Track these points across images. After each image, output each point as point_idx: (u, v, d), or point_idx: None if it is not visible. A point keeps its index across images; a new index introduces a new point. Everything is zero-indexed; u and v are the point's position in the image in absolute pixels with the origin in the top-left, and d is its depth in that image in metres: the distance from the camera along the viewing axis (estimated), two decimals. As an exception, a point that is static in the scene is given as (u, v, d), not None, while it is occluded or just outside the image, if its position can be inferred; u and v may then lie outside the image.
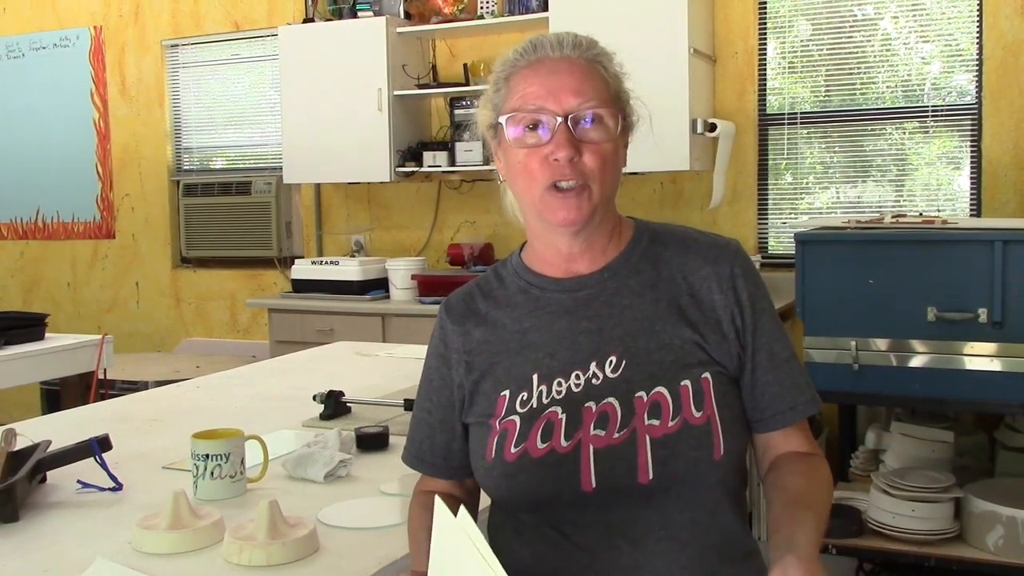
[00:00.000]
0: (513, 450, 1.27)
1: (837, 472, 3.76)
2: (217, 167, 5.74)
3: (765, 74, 4.37)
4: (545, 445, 1.25)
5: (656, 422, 1.23)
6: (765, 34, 4.35)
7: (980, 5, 3.97)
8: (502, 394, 1.32)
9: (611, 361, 1.28)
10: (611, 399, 1.26)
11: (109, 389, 3.71)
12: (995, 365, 2.96)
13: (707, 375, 1.26)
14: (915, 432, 3.41)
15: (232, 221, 5.47)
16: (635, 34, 4.03)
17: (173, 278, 5.77)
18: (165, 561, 1.35)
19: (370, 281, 4.73)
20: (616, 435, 1.23)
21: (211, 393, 2.51)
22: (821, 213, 4.30)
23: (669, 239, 1.37)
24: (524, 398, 1.30)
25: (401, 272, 4.65)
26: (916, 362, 3.05)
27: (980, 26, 3.98)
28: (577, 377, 1.28)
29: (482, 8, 4.64)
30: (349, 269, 4.73)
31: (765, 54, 4.36)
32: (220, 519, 1.44)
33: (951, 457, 3.40)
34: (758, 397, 1.30)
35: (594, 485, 1.22)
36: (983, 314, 2.94)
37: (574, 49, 1.29)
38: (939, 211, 4.05)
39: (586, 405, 1.26)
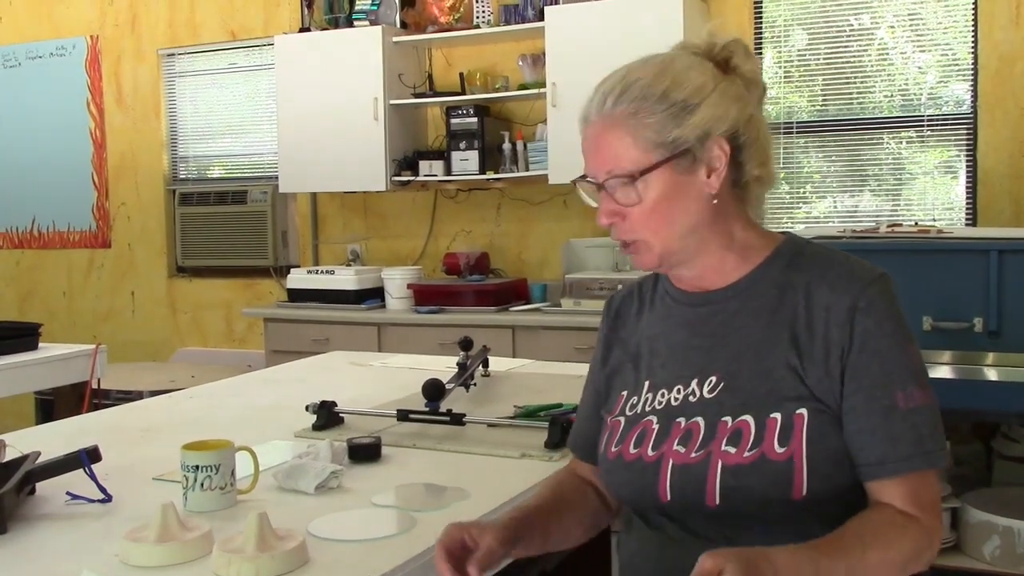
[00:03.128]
0: (613, 449, 1.34)
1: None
2: (213, 176, 5.74)
3: (761, 83, 4.36)
4: (636, 451, 1.31)
5: (733, 449, 1.23)
6: (761, 43, 4.35)
7: (975, 15, 3.97)
8: (622, 393, 1.39)
9: (711, 381, 1.29)
10: (699, 418, 1.27)
11: (103, 399, 3.69)
12: (992, 374, 2.95)
13: (803, 411, 1.22)
14: (911, 442, 3.40)
15: (228, 230, 5.46)
16: (630, 43, 4.02)
17: (169, 287, 5.76)
18: (152, 574, 1.34)
19: (366, 290, 4.73)
20: (694, 454, 1.25)
21: (204, 403, 2.49)
22: (818, 222, 4.29)
23: (808, 264, 1.30)
24: (634, 402, 1.36)
25: (397, 281, 4.65)
26: (912, 372, 3.04)
27: (975, 36, 3.98)
28: (678, 391, 1.31)
29: (478, 18, 4.64)
30: (345, 278, 4.73)
31: (761, 63, 4.36)
32: (209, 531, 1.43)
33: (948, 467, 3.38)
34: (851, 443, 1.22)
35: (669, 497, 1.26)
36: (979, 323, 2.93)
37: (600, 108, 1.28)
38: (935, 221, 4.05)
39: (677, 420, 1.29)
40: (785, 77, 4.36)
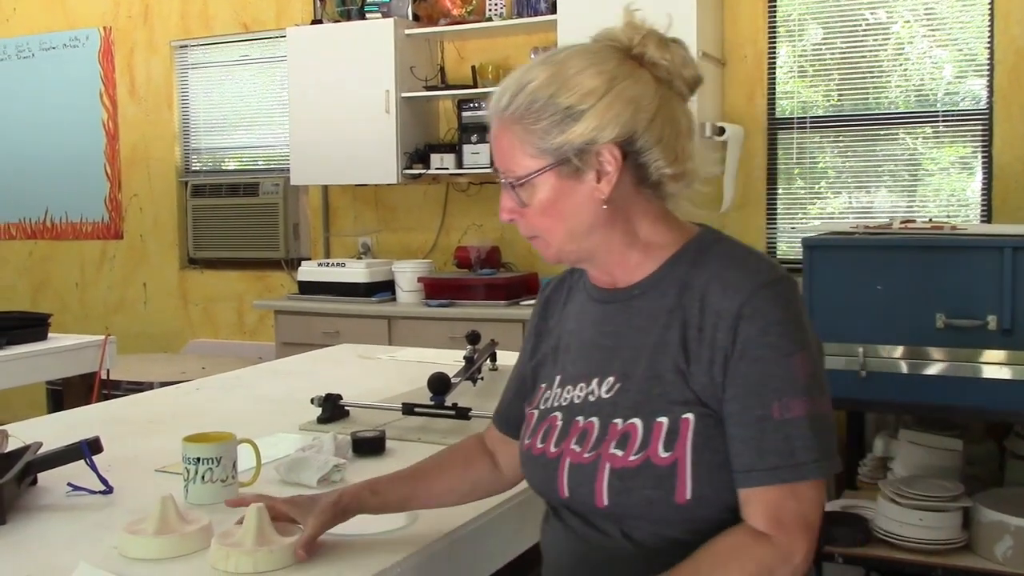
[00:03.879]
0: (526, 442, 1.37)
1: (844, 480, 3.73)
2: (225, 168, 5.74)
3: (775, 78, 4.34)
4: (542, 446, 1.33)
5: (620, 452, 1.23)
6: (775, 37, 4.32)
7: (991, 10, 3.93)
8: (541, 386, 1.41)
9: (609, 381, 1.29)
10: (594, 418, 1.28)
11: (114, 390, 3.70)
12: (1004, 373, 2.92)
13: (689, 415, 1.21)
14: (924, 440, 3.37)
15: (240, 222, 5.46)
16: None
17: (181, 279, 5.76)
18: (150, 567, 1.33)
19: (376, 283, 4.72)
20: (586, 455, 1.26)
21: (210, 395, 2.49)
22: (832, 219, 4.26)
23: (711, 261, 1.26)
24: (547, 396, 1.37)
25: (407, 274, 4.64)
26: (924, 369, 3.02)
27: (991, 31, 3.94)
28: (581, 389, 1.31)
29: (490, 10, 4.62)
30: (355, 271, 4.72)
31: (775, 58, 4.33)
32: (208, 524, 1.42)
33: (960, 466, 3.35)
34: (729, 449, 1.20)
35: (567, 494, 1.28)
36: (992, 321, 2.90)
37: (496, 107, 1.27)
38: (949, 217, 4.01)
39: (577, 418, 1.30)
40: (799, 72, 4.33)
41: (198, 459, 1.58)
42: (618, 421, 1.24)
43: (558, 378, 1.36)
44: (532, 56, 4.55)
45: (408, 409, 2.03)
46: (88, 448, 1.62)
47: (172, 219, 5.76)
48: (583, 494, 1.25)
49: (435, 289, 4.56)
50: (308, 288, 4.84)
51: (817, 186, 4.34)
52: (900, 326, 3.03)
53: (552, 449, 1.30)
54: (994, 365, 2.93)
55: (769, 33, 4.30)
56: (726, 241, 1.31)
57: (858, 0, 4.20)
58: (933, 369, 3.01)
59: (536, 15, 4.46)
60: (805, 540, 1.16)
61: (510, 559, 1.61)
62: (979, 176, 4.04)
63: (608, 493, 1.22)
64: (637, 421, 1.23)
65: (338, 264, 4.81)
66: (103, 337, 3.48)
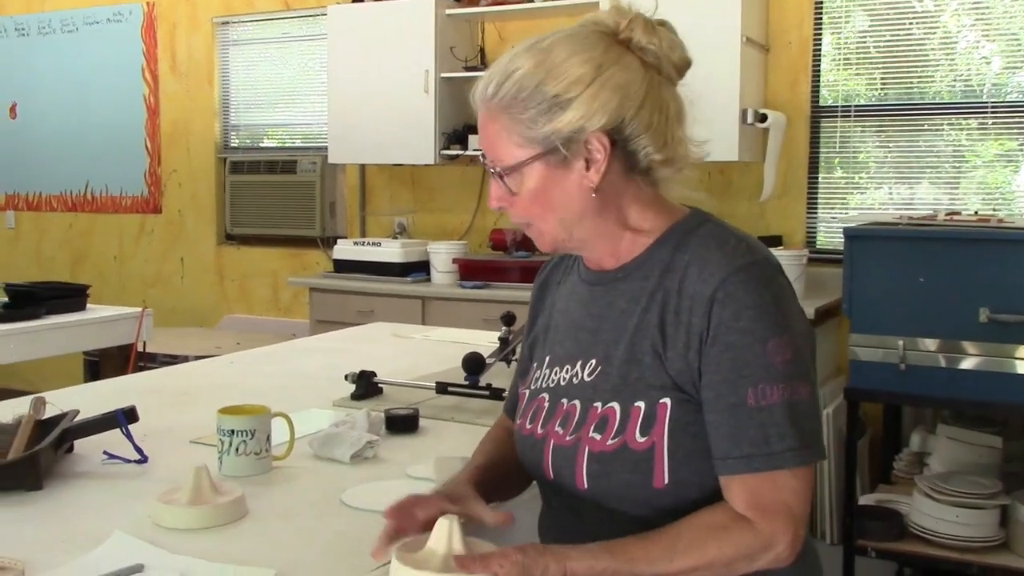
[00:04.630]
0: (518, 421, 1.38)
1: (879, 475, 3.69)
2: (264, 145, 5.75)
3: (819, 66, 4.27)
4: (530, 427, 1.33)
5: (598, 436, 1.23)
6: (821, 25, 4.25)
7: (1046, -1, 3.84)
8: (532, 366, 1.40)
9: (591, 364, 1.28)
10: (576, 401, 1.28)
11: (150, 362, 3.73)
12: (1049, 370, 2.87)
13: (666, 400, 1.19)
14: (962, 436, 3.33)
15: (277, 200, 5.48)
16: (687, 20, 3.91)
17: (217, 255, 5.80)
18: (183, 537, 1.33)
19: (411, 263, 4.72)
20: (568, 438, 1.26)
21: (244, 369, 2.50)
22: (871, 211, 4.20)
23: (694, 244, 1.24)
24: (537, 376, 1.37)
25: (442, 255, 4.63)
26: (966, 364, 2.97)
27: (1045, 20, 3.85)
28: (567, 371, 1.31)
29: (532, -9, 4.58)
30: (391, 251, 4.72)
31: (820, 45, 4.26)
32: (241, 496, 1.42)
33: (998, 463, 3.30)
34: (708, 435, 1.18)
35: (552, 476, 1.29)
36: (1038, 317, 2.84)
37: (483, 94, 1.24)
38: (995, 211, 3.93)
39: (561, 400, 1.30)
40: (844, 60, 4.26)
41: (232, 431, 1.58)
42: (598, 405, 1.24)
43: (547, 358, 1.36)
44: (573, 38, 4.51)
45: (442, 388, 2.02)
46: (124, 417, 1.63)
47: (210, 195, 5.79)
48: (565, 476, 1.26)
49: (470, 270, 4.55)
50: (343, 267, 4.85)
51: (857, 177, 4.27)
52: (942, 319, 2.98)
53: (539, 430, 1.31)
54: (1038, 362, 2.88)
55: (815, 20, 4.24)
56: (712, 223, 1.28)
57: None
58: (974, 364, 2.96)
59: (579, -3, 4.42)
60: (787, 527, 1.14)
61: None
62: (1022, 171, 3.96)
63: (587, 476, 1.23)
64: (615, 405, 1.23)
65: (374, 243, 4.81)
66: (140, 310, 3.51)
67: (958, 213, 3.40)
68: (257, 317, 5.64)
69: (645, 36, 1.24)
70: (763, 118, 4.06)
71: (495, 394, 1.97)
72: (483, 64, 4.79)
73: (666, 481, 1.18)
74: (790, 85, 4.26)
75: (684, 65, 1.27)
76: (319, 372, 2.43)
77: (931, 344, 3.01)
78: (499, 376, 2.15)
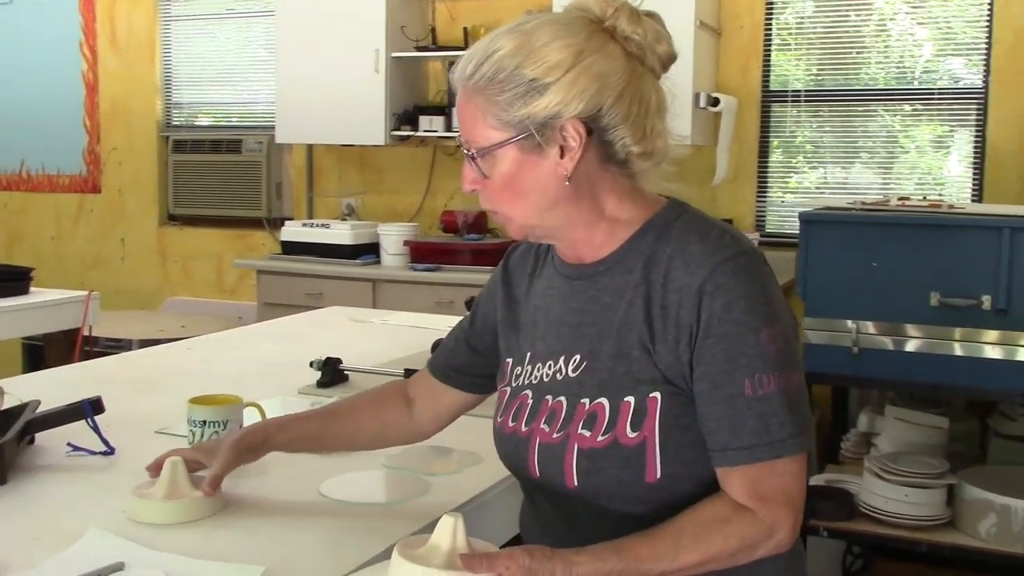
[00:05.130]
0: (498, 419, 1.35)
1: (826, 454, 3.75)
2: (208, 124, 5.64)
3: (770, 50, 4.31)
4: (513, 425, 1.31)
5: (587, 433, 1.21)
6: (772, 8, 4.28)
7: (992, -12, 3.92)
8: (507, 361, 1.38)
9: (575, 359, 1.26)
10: (562, 398, 1.26)
11: (93, 347, 3.64)
12: (997, 353, 2.94)
13: (656, 394, 1.19)
14: (910, 417, 3.39)
15: (221, 180, 5.38)
16: (643, 4, 3.96)
17: (160, 235, 5.68)
18: (162, 532, 1.30)
19: (361, 246, 4.67)
20: (555, 435, 1.25)
21: (203, 356, 2.45)
22: (808, 193, 4.27)
23: (675, 236, 1.23)
24: (518, 372, 1.35)
25: (393, 237, 4.59)
26: (917, 347, 3.03)
27: (991, 10, 3.92)
28: (550, 367, 1.29)
29: (484, -29, 4.55)
30: (340, 233, 4.67)
31: (771, 29, 4.29)
32: (220, 489, 1.39)
33: (944, 443, 3.38)
34: (701, 427, 1.18)
35: (538, 474, 1.27)
36: (987, 301, 2.91)
37: (460, 76, 1.22)
38: (941, 196, 4.01)
39: (546, 397, 1.28)
40: (792, 44, 4.30)
41: (204, 422, 1.55)
42: (585, 401, 1.23)
43: (528, 355, 1.33)
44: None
45: (410, 374, 1.99)
46: (91, 408, 1.58)
47: (152, 174, 5.66)
48: (553, 474, 1.24)
49: (421, 253, 4.52)
50: (291, 248, 4.78)
51: (794, 161, 4.34)
52: (894, 304, 3.03)
53: (523, 428, 1.29)
54: (988, 344, 2.95)
55: (767, 4, 4.27)
56: (690, 214, 1.28)
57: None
58: (925, 347, 3.02)
59: (531, -23, 4.39)
60: (788, 514, 1.15)
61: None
62: (955, 156, 4.06)
63: (577, 474, 1.21)
64: (604, 401, 1.21)
65: (323, 225, 4.75)
66: (87, 293, 3.41)
67: (908, 198, 3.46)
68: (201, 299, 5.54)
69: (630, 25, 1.22)
70: (715, 102, 4.08)
71: (466, 381, 1.95)
72: (435, 44, 4.74)
73: (658, 475, 1.18)
74: (741, 69, 4.29)
75: (669, 58, 1.25)
76: (280, 358, 2.40)
77: (883, 327, 3.06)
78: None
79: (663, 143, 1.25)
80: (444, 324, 2.75)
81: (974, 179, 4.01)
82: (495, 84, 1.19)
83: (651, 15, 1.25)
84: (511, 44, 1.19)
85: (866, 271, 3.04)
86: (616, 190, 1.26)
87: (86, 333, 3.43)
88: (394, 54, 4.61)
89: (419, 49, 4.69)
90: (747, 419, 1.15)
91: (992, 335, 2.93)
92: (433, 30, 4.79)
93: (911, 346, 3.03)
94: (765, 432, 1.15)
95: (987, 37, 3.94)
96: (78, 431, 1.62)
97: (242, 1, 5.43)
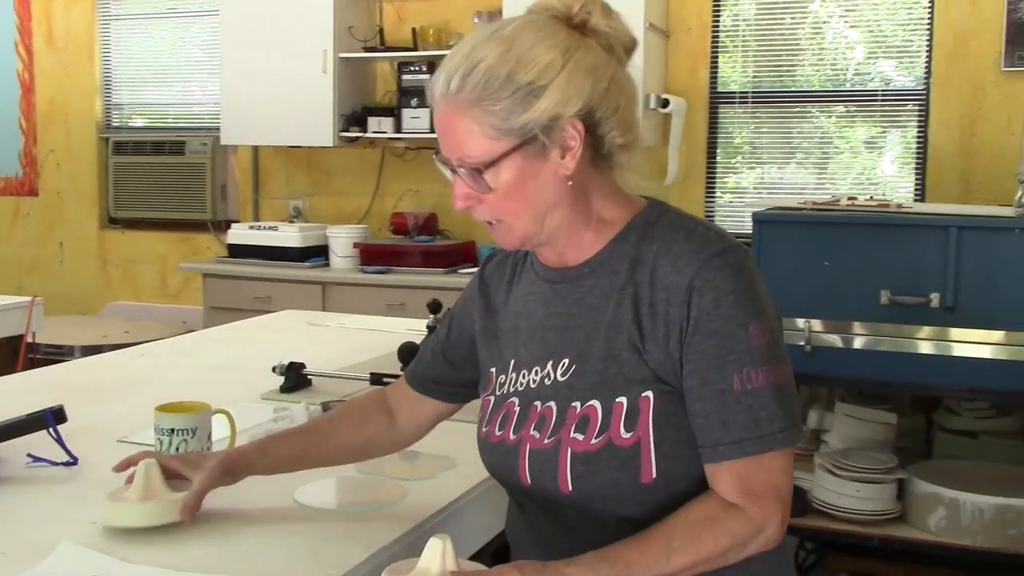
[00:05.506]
0: (483, 429, 1.33)
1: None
2: (150, 125, 5.53)
3: (717, 52, 4.35)
4: (500, 433, 1.29)
5: (580, 436, 1.20)
6: (719, 11, 4.33)
7: (932, -8, 4.01)
8: (491, 370, 1.35)
9: (564, 363, 1.25)
10: (552, 403, 1.24)
11: (35, 353, 3.55)
12: (946, 349, 2.99)
13: (648, 394, 1.18)
14: (859, 413, 3.45)
15: (164, 182, 5.29)
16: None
17: (100, 239, 5.56)
18: (137, 544, 1.26)
19: (310, 248, 4.62)
20: (546, 441, 1.23)
21: (158, 362, 2.40)
22: (746, 194, 4.34)
23: (659, 234, 1.23)
24: (502, 381, 1.33)
25: (343, 240, 4.55)
26: (868, 344, 3.07)
27: (931, 14, 4.01)
28: (536, 373, 1.28)
29: (433, -29, 4.53)
30: (289, 235, 4.61)
31: (718, 31, 4.34)
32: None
33: (893, 439, 3.44)
34: (691, 424, 1.18)
35: (530, 482, 1.25)
36: (935, 298, 2.96)
37: (446, 88, 1.18)
38: (884, 196, 4.08)
39: (534, 403, 1.26)
40: (742, 45, 4.35)
41: (172, 430, 1.51)
42: (576, 404, 1.22)
43: (512, 362, 1.31)
44: (476, 21, 4.49)
45: (376, 379, 1.98)
46: (53, 417, 1.53)
47: (92, 176, 5.53)
48: (545, 481, 1.22)
49: (371, 255, 4.48)
50: (238, 251, 4.72)
51: (734, 161, 4.40)
52: (846, 302, 3.08)
53: (511, 436, 1.27)
54: (936, 341, 3.01)
55: (714, 6, 4.31)
56: (673, 212, 1.28)
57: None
58: (876, 344, 3.07)
59: (481, -22, 4.38)
60: (777, 509, 1.16)
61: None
62: (888, 156, 4.16)
63: (572, 478, 1.20)
64: (596, 403, 1.20)
65: (270, 227, 4.69)
66: (30, 299, 3.32)
67: (855, 198, 3.52)
68: (144, 304, 5.44)
69: (603, 19, 1.22)
70: (665, 103, 4.11)
71: (433, 384, 1.94)
72: (383, 44, 4.71)
73: (654, 475, 1.17)
74: (690, 71, 4.33)
75: (632, 46, 1.26)
76: (238, 363, 2.36)
77: (835, 325, 3.10)
78: (430, 365, 2.12)
79: (638, 132, 1.26)
80: (403, 327, 2.74)
81: (916, 180, 4.09)
82: (490, 94, 1.16)
83: (611, 11, 1.25)
84: (495, 51, 1.17)
85: (818, 270, 3.08)
86: (602, 188, 1.26)
87: (29, 340, 3.34)
88: (342, 55, 4.57)
89: (367, 50, 4.65)
90: (737, 414, 1.15)
91: (941, 332, 2.99)
92: (381, 31, 4.76)
93: (862, 343, 3.08)
94: (755, 426, 1.15)
95: (928, 40, 4.02)
96: (37, 441, 1.58)
97: (184, 0, 5.33)
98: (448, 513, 1.42)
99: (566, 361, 1.25)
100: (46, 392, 1.96)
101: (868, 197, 3.73)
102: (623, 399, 1.19)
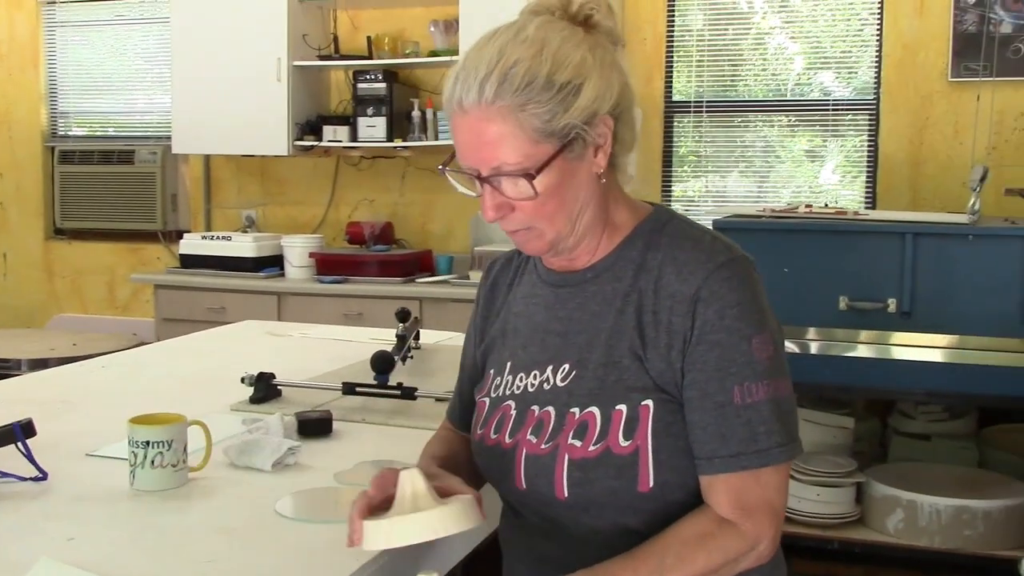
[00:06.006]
0: (479, 432, 1.31)
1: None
2: (97, 134, 5.43)
3: (672, 62, 4.39)
4: (496, 436, 1.28)
5: (578, 443, 1.19)
6: (673, 20, 4.37)
7: (881, 5, 4.08)
8: (489, 372, 1.34)
9: (564, 368, 1.24)
10: (550, 408, 1.23)
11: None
12: (903, 354, 3.05)
13: (648, 402, 1.17)
14: (817, 418, 3.49)
15: (112, 191, 5.20)
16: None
17: (46, 250, 5.44)
18: (113, 559, 1.23)
19: (264, 258, 4.57)
20: (544, 446, 1.22)
21: (120, 373, 2.34)
22: (692, 203, 4.40)
23: (665, 242, 1.22)
24: (498, 383, 1.32)
25: (298, 249, 4.51)
26: (827, 350, 3.12)
27: (880, 26, 4.09)
28: (535, 377, 1.26)
29: (388, -20, 4.51)
30: (242, 245, 4.56)
31: (672, 41, 4.38)
32: (472, 496, 1.20)
33: (850, 443, 3.49)
34: (689, 435, 1.17)
35: (525, 486, 1.23)
36: (892, 304, 3.02)
37: (479, 96, 1.14)
38: (836, 203, 4.15)
39: (532, 407, 1.26)
40: (696, 56, 4.39)
41: (148, 442, 1.47)
42: (575, 410, 1.20)
43: (508, 364, 1.30)
44: (431, 30, 4.48)
45: (349, 388, 1.96)
46: (21, 431, 1.49)
47: (37, 186, 5.41)
48: (541, 486, 1.21)
49: (327, 265, 4.44)
50: (190, 262, 4.64)
51: (681, 170, 4.45)
52: (805, 308, 3.12)
53: (507, 440, 1.25)
54: (893, 346, 3.06)
55: (668, 16, 4.35)
56: (679, 220, 1.27)
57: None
58: (835, 350, 3.11)
59: (436, -13, 4.37)
60: (771, 525, 1.15)
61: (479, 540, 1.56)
62: (829, 165, 4.23)
63: (568, 485, 1.19)
64: (595, 410, 1.19)
65: (223, 237, 4.62)
66: (-21, 311, 3.24)
67: (811, 206, 3.57)
68: (92, 316, 5.33)
69: (608, 16, 1.21)
70: (622, 112, 4.13)
71: (407, 393, 1.92)
72: (337, 53, 4.68)
73: (651, 484, 1.16)
74: (645, 80, 4.36)
75: (620, 41, 1.25)
76: (201, 374, 2.31)
77: (794, 331, 3.14)
78: (397, 375, 2.09)
79: (637, 131, 1.26)
80: (366, 336, 2.71)
81: (867, 187, 4.16)
82: (532, 97, 1.13)
83: (613, 10, 1.25)
84: (528, 53, 1.14)
85: (778, 276, 3.12)
86: (613, 190, 1.25)
87: (-22, 353, 3.25)
88: (296, 63, 4.53)
89: (322, 58, 4.62)
90: (735, 427, 1.14)
91: (898, 337, 3.04)
92: (336, 39, 4.73)
93: (821, 348, 3.13)
94: (752, 441, 1.14)
95: (877, 51, 4.10)
96: (2, 456, 1.53)
97: (133, 7, 5.25)
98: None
99: (566, 366, 1.23)
100: (7, 405, 1.91)
101: (823, 204, 3.78)
102: (623, 407, 1.18)
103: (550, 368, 1.25)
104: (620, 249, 1.25)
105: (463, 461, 1.37)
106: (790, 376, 1.20)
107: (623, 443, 1.17)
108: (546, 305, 1.29)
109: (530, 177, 1.16)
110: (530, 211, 1.19)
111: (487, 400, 1.31)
